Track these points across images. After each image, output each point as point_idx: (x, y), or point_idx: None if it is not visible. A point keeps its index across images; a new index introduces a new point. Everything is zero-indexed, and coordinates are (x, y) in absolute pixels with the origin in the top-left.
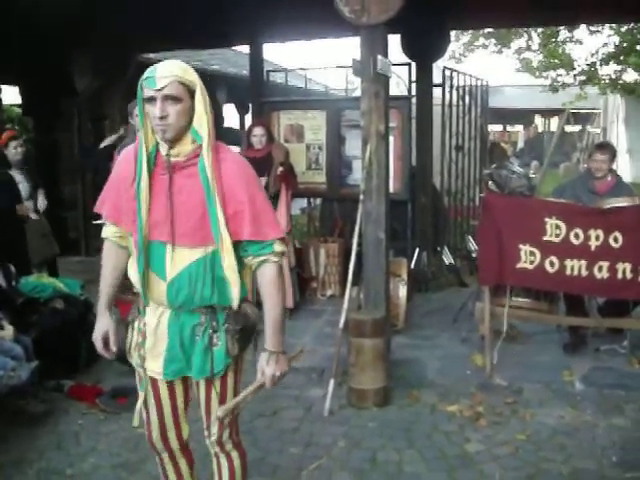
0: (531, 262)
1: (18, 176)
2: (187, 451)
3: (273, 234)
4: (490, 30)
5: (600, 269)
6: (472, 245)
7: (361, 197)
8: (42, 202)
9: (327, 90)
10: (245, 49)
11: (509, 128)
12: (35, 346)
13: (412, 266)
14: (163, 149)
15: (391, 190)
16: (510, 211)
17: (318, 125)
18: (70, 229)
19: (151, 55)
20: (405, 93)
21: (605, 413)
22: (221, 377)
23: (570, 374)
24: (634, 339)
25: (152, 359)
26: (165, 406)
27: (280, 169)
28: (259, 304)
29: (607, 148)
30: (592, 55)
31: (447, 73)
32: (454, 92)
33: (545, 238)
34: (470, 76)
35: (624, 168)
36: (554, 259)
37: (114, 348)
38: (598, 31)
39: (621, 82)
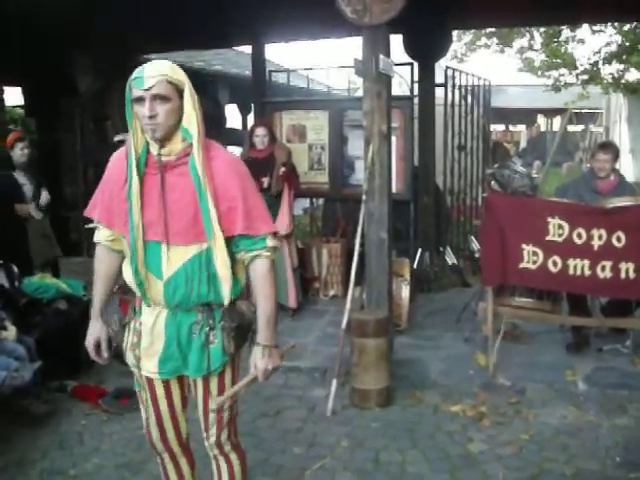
0: (534, 262)
1: (22, 178)
2: (188, 451)
3: (265, 229)
4: (492, 30)
5: (603, 269)
6: (475, 245)
7: (363, 197)
8: (45, 197)
9: (329, 90)
10: (247, 49)
11: (511, 128)
12: (38, 347)
13: (415, 266)
14: (154, 149)
15: (393, 190)
16: (513, 211)
17: (320, 125)
18: (72, 230)
19: (153, 55)
20: (407, 93)
21: (608, 413)
22: (218, 375)
23: (573, 374)
24: (637, 339)
25: (147, 359)
26: (162, 405)
27: (282, 169)
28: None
29: (610, 148)
30: (594, 54)
31: (449, 73)
32: (456, 92)
33: (548, 238)
34: (472, 76)
35: (627, 167)
36: (557, 259)
37: (106, 354)
38: (601, 30)
39: (624, 81)
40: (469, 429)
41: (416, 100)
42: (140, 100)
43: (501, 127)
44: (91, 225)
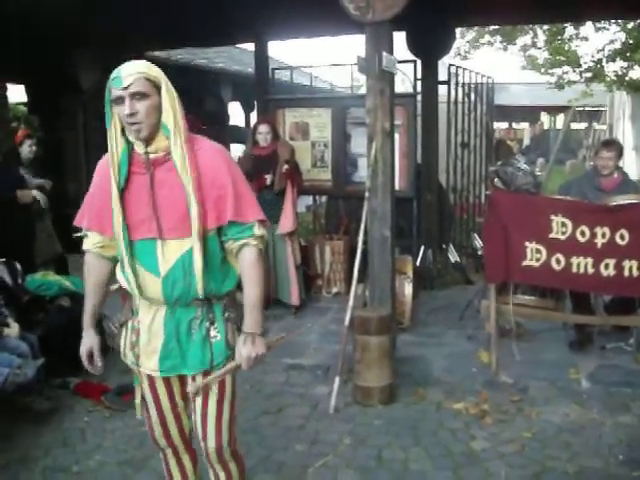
0: (537, 259)
1: (31, 180)
2: (190, 447)
3: (253, 216)
4: (495, 27)
5: (606, 266)
6: (478, 243)
7: (366, 195)
8: (48, 183)
9: (332, 88)
10: (250, 47)
11: (515, 125)
12: (41, 344)
13: (418, 264)
14: (139, 148)
15: (396, 188)
16: (516, 208)
17: (323, 123)
18: (75, 227)
19: (156, 53)
20: (410, 90)
21: (611, 411)
22: (219, 370)
23: (576, 372)
24: None
25: (147, 357)
26: (164, 403)
27: (285, 167)
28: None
29: (613, 145)
30: (598, 52)
31: (452, 70)
32: (460, 89)
33: (551, 235)
34: (476, 73)
35: (630, 165)
36: (560, 256)
37: (99, 362)
38: (604, 28)
39: (627, 79)
40: (472, 427)
41: (419, 98)
42: (120, 100)
43: (504, 125)
44: (79, 234)
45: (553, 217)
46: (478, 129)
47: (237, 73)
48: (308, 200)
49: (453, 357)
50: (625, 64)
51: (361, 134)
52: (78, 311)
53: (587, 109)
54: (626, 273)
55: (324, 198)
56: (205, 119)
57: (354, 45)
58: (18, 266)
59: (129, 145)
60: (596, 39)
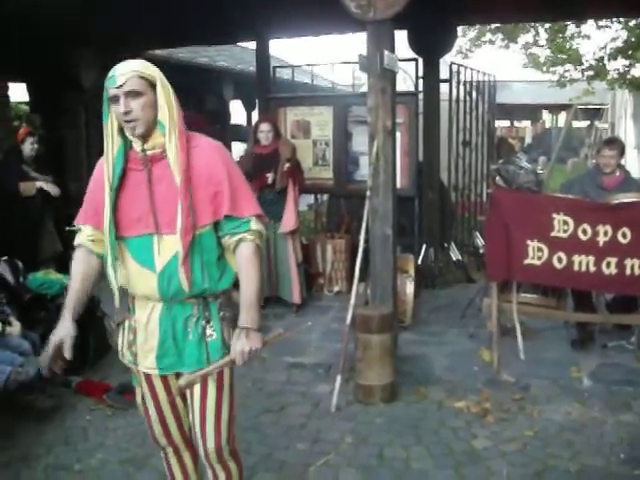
0: (539, 258)
1: (31, 172)
2: (190, 445)
3: (249, 210)
4: (497, 25)
5: (608, 265)
6: (479, 241)
7: (368, 193)
8: (51, 178)
9: (334, 86)
10: (252, 45)
11: (516, 124)
12: (42, 342)
13: (419, 262)
14: (137, 145)
15: (398, 186)
16: (518, 207)
17: (325, 121)
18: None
19: (157, 51)
20: (412, 89)
21: (613, 410)
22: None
23: (578, 370)
24: None
25: (144, 355)
26: (163, 401)
27: (287, 165)
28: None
29: (615, 143)
30: (600, 50)
31: (454, 68)
32: (461, 87)
33: (553, 234)
34: (477, 71)
35: (632, 163)
36: (562, 255)
37: (68, 355)
38: (606, 26)
39: (629, 77)
40: (473, 425)
41: (421, 96)
42: (115, 98)
43: (506, 123)
44: (72, 227)
45: (555, 215)
46: (480, 127)
47: (238, 71)
48: (309, 198)
49: (455, 355)
50: (627, 62)
51: (362, 132)
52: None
53: (589, 107)
54: (628, 271)
55: (325, 196)
56: (206, 118)
57: (355, 43)
58: (20, 264)
59: (126, 143)
60: (598, 37)
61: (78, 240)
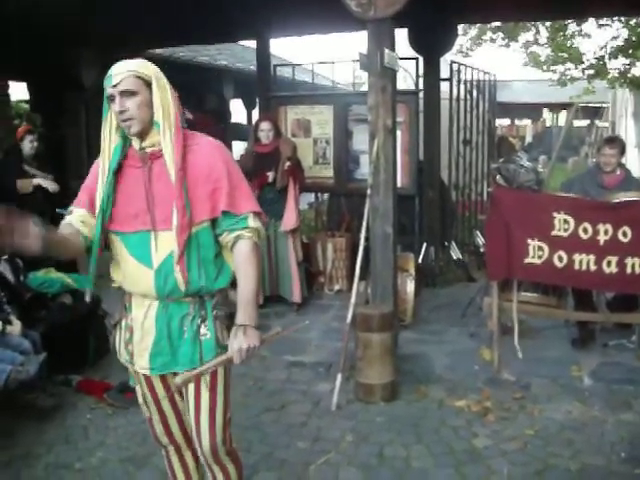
0: (539, 257)
1: (31, 170)
2: (192, 444)
3: (247, 207)
4: (498, 24)
5: (609, 264)
6: (480, 240)
7: (368, 192)
8: (50, 176)
9: (334, 85)
10: (252, 44)
11: (517, 122)
12: (43, 341)
13: (420, 261)
14: (136, 143)
15: (398, 185)
16: (518, 205)
17: (325, 120)
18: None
19: (157, 50)
20: (412, 87)
21: (613, 408)
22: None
23: (578, 369)
24: None
25: (139, 354)
26: (163, 400)
27: (287, 164)
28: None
29: (616, 142)
30: (601, 49)
31: (455, 67)
32: (462, 86)
33: (553, 233)
34: (478, 70)
35: (633, 162)
36: (562, 254)
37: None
38: (607, 24)
39: (630, 76)
40: (474, 424)
41: (421, 94)
42: (111, 98)
43: (506, 122)
44: (62, 210)
45: (555, 214)
46: (480, 126)
47: (239, 70)
48: (310, 197)
49: (455, 354)
50: (627, 61)
51: (363, 131)
52: (80, 308)
53: (589, 106)
54: (628, 270)
55: (326, 195)
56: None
57: (356, 42)
58: (20, 263)
59: (126, 141)
60: (598, 36)
61: (67, 219)
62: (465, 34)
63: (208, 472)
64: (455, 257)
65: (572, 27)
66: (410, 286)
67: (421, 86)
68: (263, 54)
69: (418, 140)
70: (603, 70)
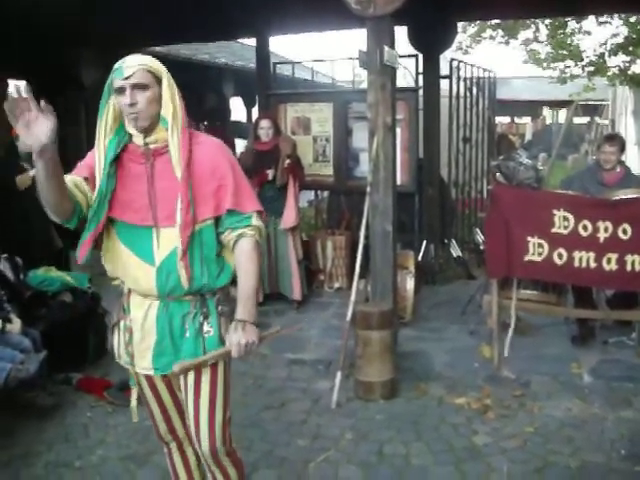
0: (539, 254)
1: (29, 167)
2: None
3: (251, 206)
4: (497, 21)
5: (609, 261)
6: (480, 237)
7: (368, 189)
8: None
9: (334, 82)
10: (252, 42)
11: (517, 120)
12: (43, 339)
13: (419, 259)
14: (138, 139)
15: (398, 182)
16: (518, 203)
17: (325, 117)
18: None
19: (157, 48)
20: (412, 85)
21: (613, 406)
22: (210, 367)
23: (578, 366)
24: None
25: (140, 355)
26: (166, 399)
27: (287, 161)
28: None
29: (616, 140)
30: (600, 46)
31: (454, 65)
32: (461, 84)
33: (553, 230)
34: (477, 68)
35: (633, 160)
36: (562, 251)
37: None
38: (607, 22)
39: (630, 73)
40: (474, 422)
41: (421, 92)
42: (121, 90)
43: (506, 119)
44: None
45: (555, 212)
46: (480, 124)
47: (239, 68)
48: (310, 195)
49: (455, 352)
50: (627, 58)
51: (362, 129)
52: (80, 307)
53: (589, 103)
54: (628, 267)
55: (326, 193)
56: (207, 115)
57: (355, 39)
58: (20, 261)
59: (125, 136)
60: (598, 33)
61: None
62: (464, 31)
63: (209, 474)
64: (455, 255)
65: (572, 24)
66: (410, 284)
67: (421, 83)
68: (263, 52)
69: (418, 138)
70: (603, 67)
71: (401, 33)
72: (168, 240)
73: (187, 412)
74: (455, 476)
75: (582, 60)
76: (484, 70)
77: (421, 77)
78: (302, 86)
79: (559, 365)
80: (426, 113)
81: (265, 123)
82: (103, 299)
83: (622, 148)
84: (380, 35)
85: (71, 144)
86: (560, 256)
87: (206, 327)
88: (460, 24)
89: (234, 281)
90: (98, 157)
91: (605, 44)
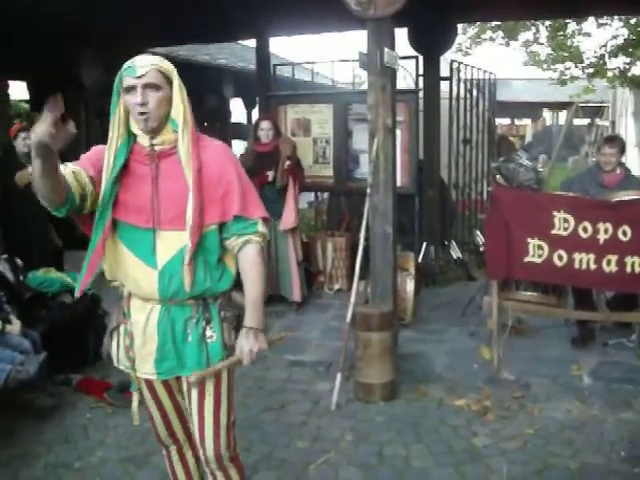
0: (539, 256)
1: (28, 165)
2: (193, 442)
3: (258, 212)
4: (497, 23)
5: (609, 262)
6: (480, 239)
7: (368, 191)
8: None
9: (334, 84)
10: (252, 43)
11: (517, 121)
12: (43, 340)
13: (420, 260)
14: (144, 140)
15: (398, 184)
16: (518, 204)
17: (325, 119)
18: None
19: (157, 49)
20: (412, 86)
21: (613, 407)
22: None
23: (578, 368)
24: None
25: (142, 360)
26: (166, 404)
27: (287, 163)
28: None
29: (616, 141)
30: (601, 48)
31: (454, 66)
32: (461, 85)
33: (553, 231)
34: (478, 69)
35: (633, 161)
36: (562, 253)
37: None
38: (607, 23)
39: (630, 75)
40: (473, 423)
41: (421, 93)
42: (131, 89)
43: (506, 121)
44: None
45: (555, 213)
46: (480, 125)
47: (239, 70)
48: (310, 196)
49: (455, 353)
50: (627, 60)
51: (363, 130)
52: (80, 308)
53: (590, 105)
54: (628, 269)
55: (326, 194)
56: (207, 116)
57: (356, 41)
58: (19, 262)
59: (130, 137)
60: (598, 35)
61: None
62: (465, 33)
63: (210, 477)
64: (455, 256)
65: (572, 26)
66: (410, 285)
67: (421, 85)
68: (263, 53)
69: (418, 139)
70: (603, 69)
71: (401, 35)
72: (171, 243)
73: (192, 417)
74: (455, 478)
75: (582, 62)
76: (484, 72)
77: (421, 79)
78: (302, 87)
79: (559, 367)
80: (426, 115)
81: (265, 124)
82: (103, 300)
83: (622, 150)
84: (380, 36)
85: (71, 144)
86: (560, 258)
87: (209, 332)
88: (460, 25)
89: (236, 286)
90: (108, 160)
91: (605, 46)
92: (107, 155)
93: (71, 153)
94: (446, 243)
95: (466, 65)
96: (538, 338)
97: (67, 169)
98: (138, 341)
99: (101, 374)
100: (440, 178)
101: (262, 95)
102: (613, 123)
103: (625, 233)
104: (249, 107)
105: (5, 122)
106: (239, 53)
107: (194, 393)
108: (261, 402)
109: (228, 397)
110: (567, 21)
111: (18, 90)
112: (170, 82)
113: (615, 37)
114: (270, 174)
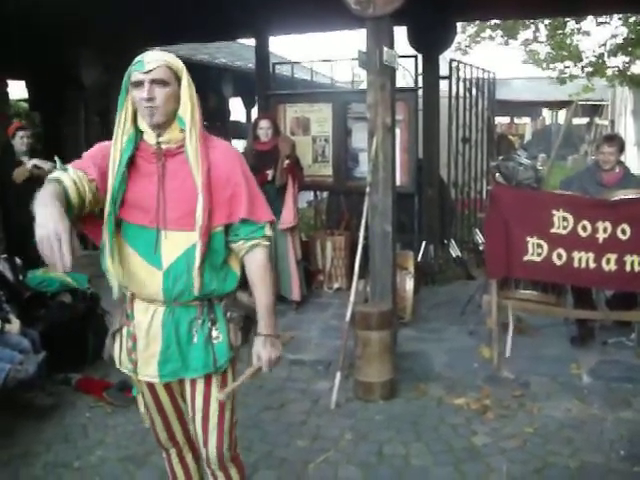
0: (538, 254)
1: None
2: (193, 445)
3: (266, 216)
4: (497, 21)
5: (608, 261)
6: (479, 238)
7: (367, 190)
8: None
9: (333, 83)
10: (251, 42)
11: (516, 120)
12: (42, 340)
13: (419, 259)
14: (151, 138)
15: (398, 183)
16: (517, 203)
17: (324, 118)
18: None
19: (157, 49)
20: (412, 85)
21: (612, 406)
22: (221, 373)
23: (577, 367)
24: None
25: (145, 362)
26: (167, 408)
27: (286, 162)
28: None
29: (615, 140)
30: (600, 46)
31: (454, 65)
32: (461, 84)
33: (552, 230)
34: (477, 68)
35: (632, 160)
36: (562, 251)
37: (75, 251)
38: (606, 22)
39: (629, 74)
40: (473, 422)
41: (420, 92)
42: (139, 84)
43: (506, 120)
44: (44, 164)
45: (554, 212)
46: (479, 124)
47: (238, 68)
48: (309, 195)
49: (454, 352)
50: (627, 59)
51: (362, 129)
52: (79, 307)
53: (589, 104)
54: (627, 268)
55: (325, 193)
56: (206, 115)
57: (355, 40)
58: (19, 262)
59: (137, 134)
60: (598, 34)
61: (56, 175)
62: (464, 32)
63: (211, 477)
64: (454, 255)
65: (571, 25)
66: (409, 284)
67: (420, 84)
68: (262, 52)
69: (417, 138)
70: (602, 68)
71: (400, 33)
72: (177, 243)
73: (195, 418)
74: (454, 476)
75: (581, 60)
76: (483, 70)
77: (420, 77)
78: (301, 86)
79: (558, 366)
80: (425, 113)
81: (264, 123)
82: (102, 300)
83: (621, 148)
84: (379, 35)
85: (71, 144)
86: (559, 256)
87: (215, 333)
88: (459, 24)
89: (240, 286)
90: (113, 157)
91: (604, 44)
92: (113, 151)
93: (71, 153)
94: (445, 242)
95: (465, 64)
96: (538, 337)
97: (68, 180)
98: (141, 343)
99: (100, 373)
100: (439, 177)
101: (261, 94)
102: (612, 122)
103: (624, 232)
104: (248, 106)
105: (4, 121)
106: (238, 52)
107: (199, 394)
108: (261, 401)
109: (232, 399)
110: (566, 20)
111: (17, 89)
112: (179, 79)
113: (614, 36)
114: (269, 173)
